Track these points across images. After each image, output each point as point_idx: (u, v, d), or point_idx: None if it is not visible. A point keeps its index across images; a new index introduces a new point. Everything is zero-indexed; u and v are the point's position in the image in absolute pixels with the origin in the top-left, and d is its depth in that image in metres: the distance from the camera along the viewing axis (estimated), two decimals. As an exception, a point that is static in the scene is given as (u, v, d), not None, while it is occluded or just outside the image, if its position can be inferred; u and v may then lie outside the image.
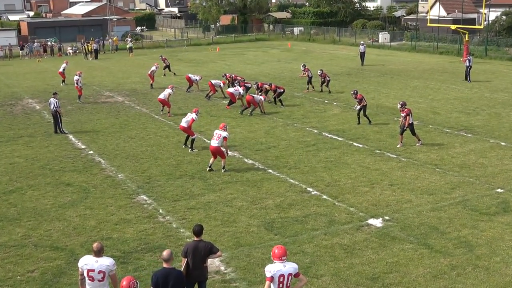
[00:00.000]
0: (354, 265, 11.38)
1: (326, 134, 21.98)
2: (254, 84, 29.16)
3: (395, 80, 35.44)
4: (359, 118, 23.34)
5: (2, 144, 21.82)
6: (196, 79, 32.13)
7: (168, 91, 25.90)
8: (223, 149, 17.42)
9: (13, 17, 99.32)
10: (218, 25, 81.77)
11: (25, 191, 16.26)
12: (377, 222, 13.50)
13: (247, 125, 23.79)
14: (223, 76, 31.98)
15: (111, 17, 79.73)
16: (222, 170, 17.48)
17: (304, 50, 55.91)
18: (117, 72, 42.76)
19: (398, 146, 19.84)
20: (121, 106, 28.95)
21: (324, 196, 15.30)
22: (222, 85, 30.26)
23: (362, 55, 43.03)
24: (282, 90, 27.70)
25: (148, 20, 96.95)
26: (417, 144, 19.95)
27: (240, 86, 27.89)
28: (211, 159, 17.69)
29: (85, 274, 8.62)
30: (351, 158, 18.80)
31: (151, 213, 14.41)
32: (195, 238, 9.27)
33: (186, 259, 9.16)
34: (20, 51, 58.17)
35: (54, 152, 20.33)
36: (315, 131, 22.58)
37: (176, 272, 8.58)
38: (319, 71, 31.36)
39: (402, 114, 19.65)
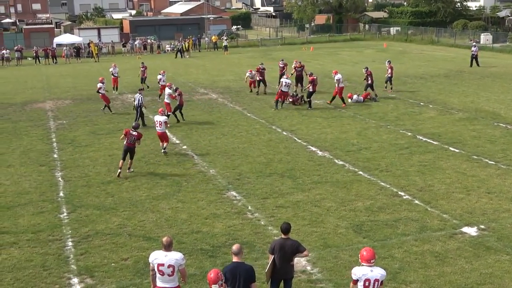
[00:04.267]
0: (445, 273, 10.98)
1: (421, 138, 21.33)
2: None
3: (497, 83, 33.81)
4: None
5: (102, 136, 22.90)
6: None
7: (167, 91, 25.05)
8: None
9: (116, 15, 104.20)
10: (312, 24, 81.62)
11: (122, 182, 16.97)
12: (471, 231, 12.95)
13: (338, 126, 23.56)
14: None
15: (208, 16, 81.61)
16: None
17: (400, 51, 54.59)
18: (211, 70, 43.67)
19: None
20: (215, 103, 29.55)
21: (416, 201, 14.87)
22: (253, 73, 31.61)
23: (473, 56, 41.16)
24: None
25: (244, 19, 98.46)
26: None
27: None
28: None
29: (156, 269, 8.64)
30: (446, 163, 18.14)
31: (240, 209, 14.61)
32: (283, 236, 9.30)
33: (273, 256, 9.21)
34: (122, 48, 60.73)
35: (150, 146, 21.07)
36: (409, 133, 21.98)
37: (245, 266, 8.50)
38: (364, 69, 29.69)
39: None
